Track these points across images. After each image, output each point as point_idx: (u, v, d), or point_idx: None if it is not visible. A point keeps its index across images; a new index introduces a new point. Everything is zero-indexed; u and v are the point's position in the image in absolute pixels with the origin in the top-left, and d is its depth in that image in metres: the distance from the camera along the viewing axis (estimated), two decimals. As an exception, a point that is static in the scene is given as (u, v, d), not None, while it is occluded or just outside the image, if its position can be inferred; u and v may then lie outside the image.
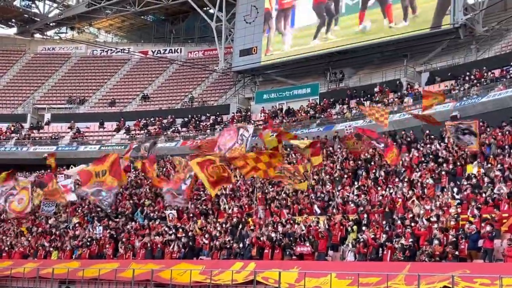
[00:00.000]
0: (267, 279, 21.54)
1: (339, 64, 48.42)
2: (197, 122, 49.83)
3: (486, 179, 22.81)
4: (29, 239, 33.90)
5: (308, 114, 43.72)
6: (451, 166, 25.13)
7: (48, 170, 39.99)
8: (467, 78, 37.02)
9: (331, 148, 33.32)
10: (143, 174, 33.78)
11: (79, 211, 35.97)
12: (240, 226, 25.97)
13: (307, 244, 22.47)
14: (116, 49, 64.06)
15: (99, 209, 34.74)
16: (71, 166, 39.70)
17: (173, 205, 28.69)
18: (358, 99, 42.18)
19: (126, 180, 31.48)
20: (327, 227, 23.35)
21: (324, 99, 44.95)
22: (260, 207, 27.64)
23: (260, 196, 28.48)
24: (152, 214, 31.93)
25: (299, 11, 49.88)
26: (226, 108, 51.37)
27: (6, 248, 33.65)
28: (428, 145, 28.48)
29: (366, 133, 25.33)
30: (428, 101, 23.66)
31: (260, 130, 28.88)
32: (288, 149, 33.22)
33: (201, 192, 32.11)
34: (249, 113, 48.93)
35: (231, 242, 25.04)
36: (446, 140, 28.23)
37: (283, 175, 24.15)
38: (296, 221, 24.84)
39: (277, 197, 28.48)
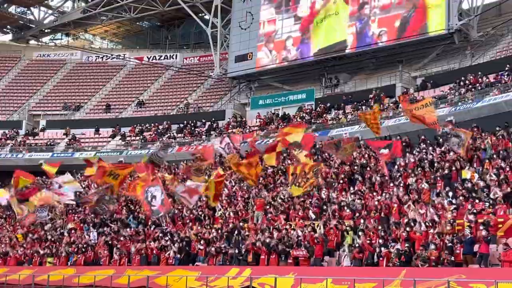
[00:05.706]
0: (263, 285, 21.51)
1: (334, 70, 48.50)
2: (193, 128, 49.80)
3: (481, 184, 22.84)
4: (24, 245, 33.76)
5: (304, 120, 43.70)
6: (446, 171, 25.15)
7: (44, 177, 39.81)
8: (462, 83, 37.10)
9: (326, 154, 33.25)
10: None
11: (75, 217, 35.84)
12: (236, 232, 25.93)
13: (303, 249, 22.46)
14: (112, 55, 63.99)
15: (93, 214, 34.61)
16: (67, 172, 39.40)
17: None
18: (353, 104, 42.23)
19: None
20: (322, 232, 23.33)
21: (320, 105, 44.99)
22: (258, 213, 27.59)
23: (259, 202, 28.39)
24: (144, 219, 31.81)
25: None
26: (221, 114, 51.35)
27: (1, 255, 33.50)
28: (424, 150, 28.49)
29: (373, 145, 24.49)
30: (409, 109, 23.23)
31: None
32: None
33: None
34: (244, 118, 48.94)
35: (227, 248, 24.99)
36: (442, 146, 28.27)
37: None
38: (292, 227, 24.83)
39: (273, 202, 28.45)
